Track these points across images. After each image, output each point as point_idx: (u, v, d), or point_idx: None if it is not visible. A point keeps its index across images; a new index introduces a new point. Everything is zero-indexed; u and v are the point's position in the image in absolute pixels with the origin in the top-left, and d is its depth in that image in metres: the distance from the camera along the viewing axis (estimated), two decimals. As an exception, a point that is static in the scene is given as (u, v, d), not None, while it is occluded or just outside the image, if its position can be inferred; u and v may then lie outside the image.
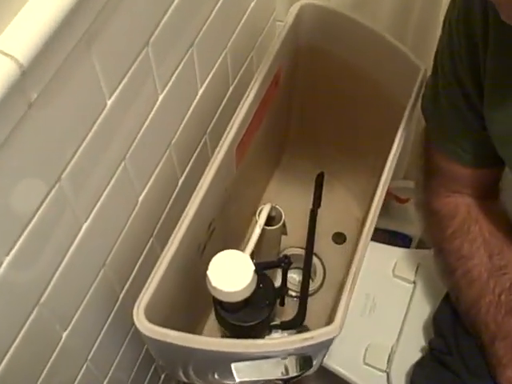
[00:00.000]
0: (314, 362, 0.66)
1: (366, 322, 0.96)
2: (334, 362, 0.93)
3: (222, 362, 0.63)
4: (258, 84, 0.77)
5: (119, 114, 0.58)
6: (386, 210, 1.37)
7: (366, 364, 0.93)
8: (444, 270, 0.82)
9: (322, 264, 1.00)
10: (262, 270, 0.68)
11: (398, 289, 0.98)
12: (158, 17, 0.60)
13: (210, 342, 0.61)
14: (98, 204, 0.61)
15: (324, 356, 0.72)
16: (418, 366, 0.84)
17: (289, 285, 1.00)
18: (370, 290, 0.99)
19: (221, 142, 0.73)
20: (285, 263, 0.70)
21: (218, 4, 0.73)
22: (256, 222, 0.76)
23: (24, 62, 0.40)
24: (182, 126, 0.75)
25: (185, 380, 0.75)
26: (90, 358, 0.70)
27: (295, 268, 1.03)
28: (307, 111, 1.00)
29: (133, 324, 0.62)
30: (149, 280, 0.65)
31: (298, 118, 1.01)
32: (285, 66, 0.86)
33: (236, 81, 0.87)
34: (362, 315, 0.97)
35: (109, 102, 0.56)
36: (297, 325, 0.70)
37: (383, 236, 1.38)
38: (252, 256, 0.70)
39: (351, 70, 0.88)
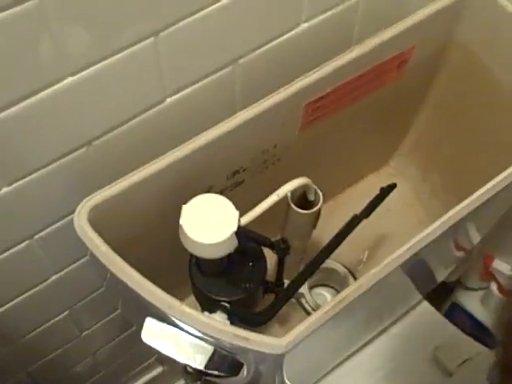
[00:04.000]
0: (244, 374, 0.51)
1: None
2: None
3: (140, 310, 0.50)
4: (368, 49, 0.62)
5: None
6: (484, 295, 1.15)
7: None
8: None
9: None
10: (247, 238, 0.53)
11: (427, 372, 0.78)
12: None
13: (134, 277, 0.49)
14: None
15: (269, 376, 0.56)
16: None
17: (312, 298, 0.85)
18: (397, 355, 0.80)
19: (288, 85, 0.60)
20: (280, 248, 0.55)
21: None
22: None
23: None
24: (260, 50, 0.62)
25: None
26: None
27: (330, 287, 0.87)
28: (433, 125, 0.82)
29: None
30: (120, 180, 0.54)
31: (418, 130, 0.84)
32: (421, 53, 0.69)
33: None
34: (367, 375, 0.78)
35: None
36: (254, 322, 0.55)
37: (463, 320, 1.15)
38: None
39: (498, 93, 0.70)
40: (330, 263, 0.83)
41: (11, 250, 0.61)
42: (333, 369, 0.78)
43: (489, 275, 1.10)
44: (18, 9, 0.42)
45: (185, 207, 0.53)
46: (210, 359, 0.49)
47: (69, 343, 0.86)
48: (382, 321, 0.79)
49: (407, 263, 0.53)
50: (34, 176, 0.55)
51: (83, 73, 0.49)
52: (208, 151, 0.59)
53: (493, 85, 0.68)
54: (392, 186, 0.63)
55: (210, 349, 0.49)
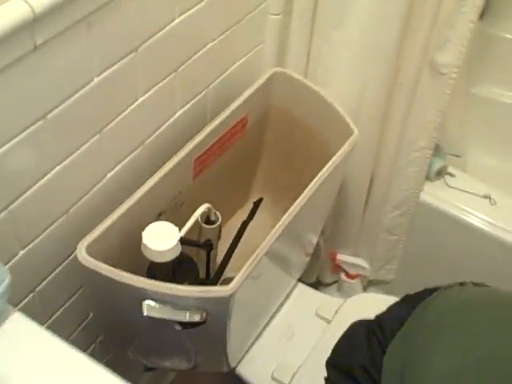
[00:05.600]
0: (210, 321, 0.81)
1: (282, 346, 1.10)
2: (247, 371, 1.07)
3: (135, 303, 0.79)
4: (223, 118, 0.99)
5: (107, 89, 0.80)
6: (338, 285, 1.53)
7: (273, 378, 1.06)
8: None
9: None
10: (188, 243, 0.84)
11: (316, 325, 1.13)
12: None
13: (133, 278, 0.78)
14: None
15: (222, 322, 0.85)
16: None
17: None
18: (292, 321, 1.14)
19: (182, 148, 0.94)
20: (207, 245, 0.87)
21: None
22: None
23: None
24: (158, 131, 0.95)
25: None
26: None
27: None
28: (273, 162, 1.20)
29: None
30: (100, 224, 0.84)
31: (264, 168, 1.21)
32: (254, 116, 1.07)
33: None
34: (280, 340, 1.11)
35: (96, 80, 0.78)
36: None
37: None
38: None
39: (306, 131, 1.09)
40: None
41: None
42: (256, 338, 1.09)
43: (337, 268, 1.48)
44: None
45: (144, 233, 0.83)
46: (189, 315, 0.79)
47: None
48: (280, 294, 1.12)
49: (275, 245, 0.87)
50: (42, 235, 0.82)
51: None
52: (139, 203, 0.89)
53: (303, 130, 1.08)
54: (261, 199, 0.99)
55: (186, 311, 0.79)
